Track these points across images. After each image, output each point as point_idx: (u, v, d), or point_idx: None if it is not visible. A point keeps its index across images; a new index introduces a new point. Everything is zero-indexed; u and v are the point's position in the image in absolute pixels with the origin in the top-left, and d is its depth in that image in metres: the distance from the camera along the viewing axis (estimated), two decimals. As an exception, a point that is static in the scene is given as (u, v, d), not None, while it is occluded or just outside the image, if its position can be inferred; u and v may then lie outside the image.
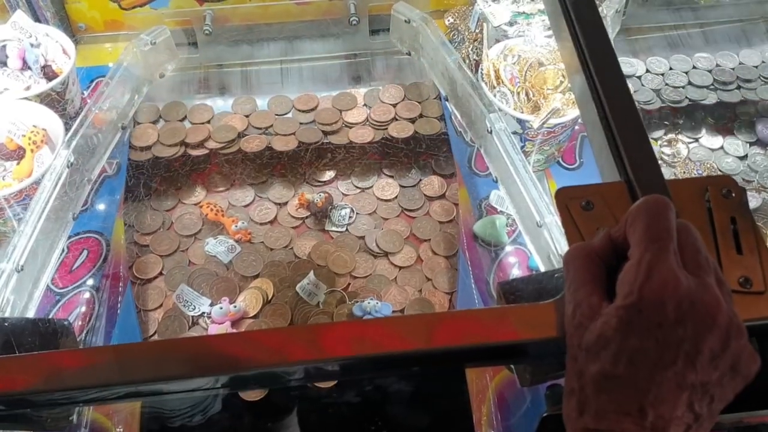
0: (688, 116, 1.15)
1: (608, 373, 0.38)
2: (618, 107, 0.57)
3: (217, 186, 1.05)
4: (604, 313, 0.40)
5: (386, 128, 1.10)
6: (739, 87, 1.17)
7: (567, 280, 0.44)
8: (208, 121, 1.10)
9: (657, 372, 0.38)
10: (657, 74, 1.18)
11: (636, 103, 1.10)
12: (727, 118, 1.15)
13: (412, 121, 1.10)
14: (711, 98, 1.15)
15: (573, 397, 0.40)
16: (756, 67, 1.19)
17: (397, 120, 1.11)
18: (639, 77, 1.18)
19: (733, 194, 0.51)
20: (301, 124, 1.10)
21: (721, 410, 0.40)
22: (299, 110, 1.12)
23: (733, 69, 1.18)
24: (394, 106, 1.12)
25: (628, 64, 1.19)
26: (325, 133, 1.09)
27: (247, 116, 1.11)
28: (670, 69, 1.19)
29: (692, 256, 0.41)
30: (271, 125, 1.09)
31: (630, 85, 1.12)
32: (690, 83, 1.17)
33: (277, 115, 1.11)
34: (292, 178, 1.06)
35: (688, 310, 0.38)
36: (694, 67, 1.19)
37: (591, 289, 0.42)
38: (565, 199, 0.51)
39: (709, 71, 1.18)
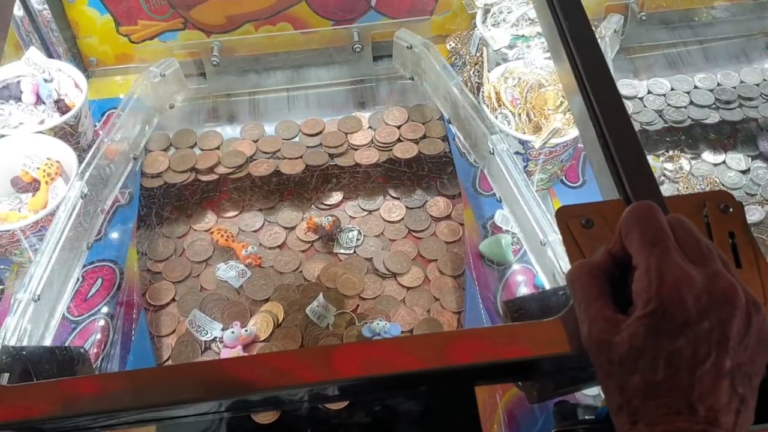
0: (689, 135, 1.16)
1: (650, 380, 0.39)
2: (615, 127, 0.58)
3: (228, 211, 1.07)
4: (627, 324, 0.41)
5: (391, 149, 1.11)
6: (740, 105, 1.17)
7: (575, 298, 0.45)
8: (218, 147, 1.13)
9: (696, 367, 0.39)
10: (659, 95, 1.19)
11: (638, 125, 1.13)
12: (727, 135, 1.16)
13: (416, 142, 1.12)
14: (713, 117, 1.15)
15: (622, 411, 0.41)
16: (757, 85, 1.20)
17: (401, 141, 1.12)
18: (641, 98, 1.18)
19: (731, 209, 0.52)
20: (307, 147, 1.12)
21: (759, 383, 0.41)
22: (306, 134, 1.15)
23: (734, 88, 1.19)
24: (398, 127, 1.14)
25: (630, 86, 1.20)
26: (332, 156, 1.11)
27: (255, 141, 1.13)
28: (672, 89, 1.20)
29: (693, 248, 0.42)
30: (279, 149, 1.12)
31: (632, 106, 1.16)
32: (692, 103, 1.17)
33: (284, 139, 1.14)
34: (299, 203, 1.08)
35: (708, 301, 0.39)
36: (695, 87, 1.20)
37: (602, 304, 0.43)
38: (566, 217, 0.53)
39: (711, 90, 1.19)
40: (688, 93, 1.19)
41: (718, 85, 1.20)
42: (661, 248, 0.41)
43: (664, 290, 0.40)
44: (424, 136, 1.13)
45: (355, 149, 1.12)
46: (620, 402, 0.41)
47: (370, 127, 1.15)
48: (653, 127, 1.15)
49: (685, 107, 1.17)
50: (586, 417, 0.59)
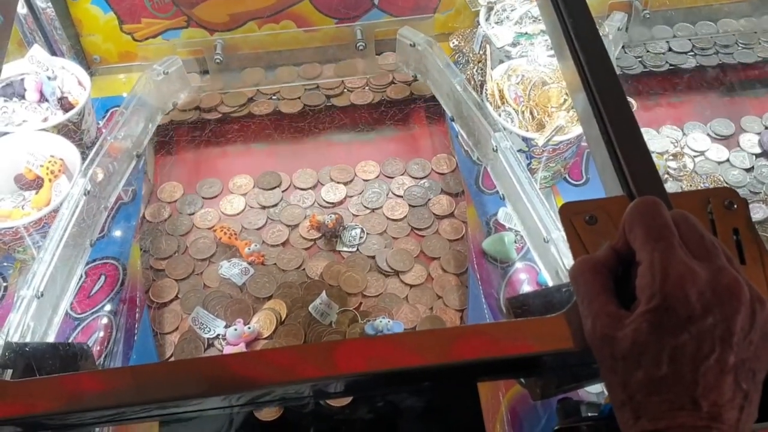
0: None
1: (653, 375, 0.39)
2: (619, 123, 0.58)
3: (230, 207, 1.08)
4: (631, 320, 0.41)
5: (384, 91, 1.19)
6: (717, 52, 1.23)
7: (578, 294, 0.45)
8: (221, 90, 1.20)
9: (700, 363, 0.39)
10: (639, 42, 1.24)
11: (619, 69, 1.16)
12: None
13: (408, 84, 1.19)
14: (690, 63, 1.22)
15: (625, 407, 0.41)
16: (733, 34, 1.25)
17: (394, 83, 1.20)
18: (623, 47, 1.23)
19: (735, 206, 0.52)
20: (306, 89, 1.20)
21: (763, 379, 0.41)
22: (304, 78, 1.22)
23: (711, 36, 1.25)
24: (392, 71, 1.21)
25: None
26: (328, 97, 1.19)
27: (256, 85, 1.20)
28: (652, 38, 1.25)
29: (697, 243, 0.42)
30: (278, 91, 1.21)
31: (613, 53, 1.16)
32: (670, 50, 1.24)
33: (283, 82, 1.20)
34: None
35: (712, 297, 0.39)
36: (674, 36, 1.25)
37: (605, 299, 0.43)
38: (569, 214, 0.52)
39: (689, 39, 1.25)
40: (667, 41, 1.25)
41: (696, 34, 1.26)
42: (665, 244, 0.41)
43: (667, 286, 0.40)
44: (416, 79, 1.18)
45: (351, 91, 1.19)
46: (623, 398, 0.41)
47: (365, 71, 1.21)
48: (632, 71, 1.21)
49: (663, 53, 1.23)
50: (590, 414, 0.59)
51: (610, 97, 0.60)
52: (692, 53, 1.23)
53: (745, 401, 0.39)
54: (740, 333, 0.39)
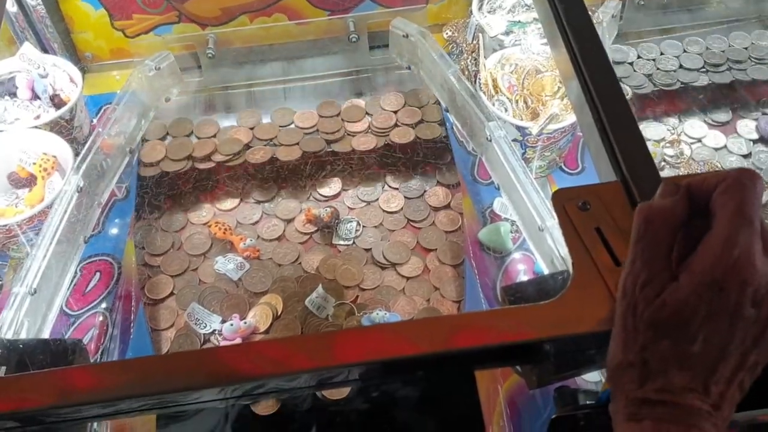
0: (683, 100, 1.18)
1: (683, 351, 0.39)
2: (612, 109, 0.58)
3: (224, 202, 1.06)
4: (676, 286, 0.39)
5: (388, 135, 1.12)
6: (729, 68, 1.19)
7: (641, 242, 0.41)
8: (214, 136, 1.13)
9: (727, 353, 0.39)
10: (648, 59, 1.21)
11: (628, 89, 1.13)
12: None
13: (413, 126, 1.13)
14: (702, 80, 1.18)
15: (632, 369, 0.40)
16: (746, 48, 1.22)
17: (398, 126, 1.13)
18: (631, 63, 1.20)
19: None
20: (304, 134, 1.13)
21: None
22: (302, 122, 1.15)
23: (723, 51, 1.21)
24: (395, 112, 1.15)
25: (620, 51, 1.21)
26: (328, 142, 1.12)
27: (251, 129, 1.14)
28: (661, 54, 1.22)
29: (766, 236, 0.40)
30: (275, 136, 1.12)
31: (622, 71, 1.16)
32: (681, 66, 1.20)
33: (281, 126, 1.14)
34: (296, 192, 1.08)
35: (765, 294, 0.38)
36: (684, 51, 1.22)
37: (667, 264, 0.40)
38: (562, 200, 0.52)
39: (700, 54, 1.21)
40: (677, 57, 1.21)
41: (707, 48, 1.22)
42: (750, 229, 0.39)
43: (733, 268, 0.38)
44: (421, 121, 1.13)
45: (352, 135, 1.13)
46: (633, 360, 0.40)
47: (367, 113, 1.15)
48: (643, 90, 1.17)
49: (674, 71, 1.19)
50: (587, 402, 0.58)
51: (603, 85, 0.60)
52: (704, 70, 1.18)
53: (739, 397, 0.39)
54: None
